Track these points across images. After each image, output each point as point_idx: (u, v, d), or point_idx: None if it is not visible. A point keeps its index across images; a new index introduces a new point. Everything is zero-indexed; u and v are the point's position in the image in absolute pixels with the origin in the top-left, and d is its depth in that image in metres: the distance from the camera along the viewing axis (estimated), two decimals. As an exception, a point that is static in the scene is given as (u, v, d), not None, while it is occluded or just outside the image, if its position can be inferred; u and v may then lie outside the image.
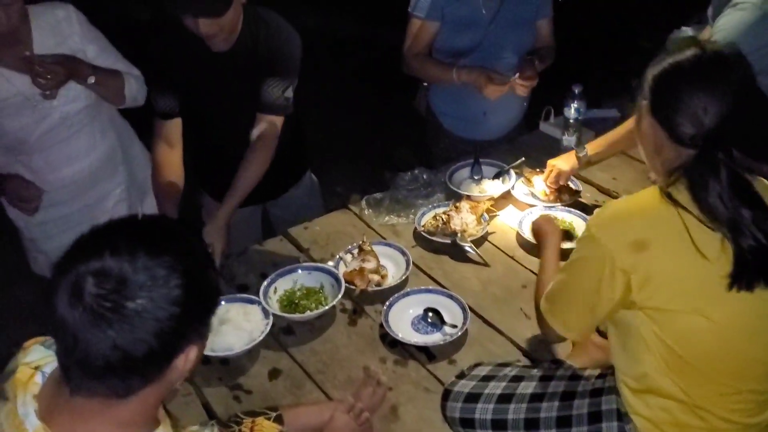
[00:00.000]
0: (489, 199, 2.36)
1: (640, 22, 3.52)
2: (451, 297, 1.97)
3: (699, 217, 1.25)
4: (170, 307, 0.94)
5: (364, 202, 2.43)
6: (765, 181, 1.39)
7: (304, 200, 2.61)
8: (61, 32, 2.15)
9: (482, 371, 1.56)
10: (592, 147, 2.32)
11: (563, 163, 2.35)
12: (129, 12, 5.30)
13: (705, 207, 1.25)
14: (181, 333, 0.97)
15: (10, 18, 1.98)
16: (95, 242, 0.97)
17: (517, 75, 2.46)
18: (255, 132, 2.15)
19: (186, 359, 1.00)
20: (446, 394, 1.55)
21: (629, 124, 2.12)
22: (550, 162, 2.39)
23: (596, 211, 1.40)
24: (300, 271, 2.07)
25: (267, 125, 2.15)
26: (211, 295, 1.05)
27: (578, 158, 2.33)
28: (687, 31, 2.90)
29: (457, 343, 1.85)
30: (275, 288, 2.02)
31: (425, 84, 2.79)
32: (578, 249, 1.38)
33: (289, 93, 2.14)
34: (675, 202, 1.26)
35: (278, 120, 2.17)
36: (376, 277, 2.05)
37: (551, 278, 1.49)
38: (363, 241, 2.15)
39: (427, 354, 1.83)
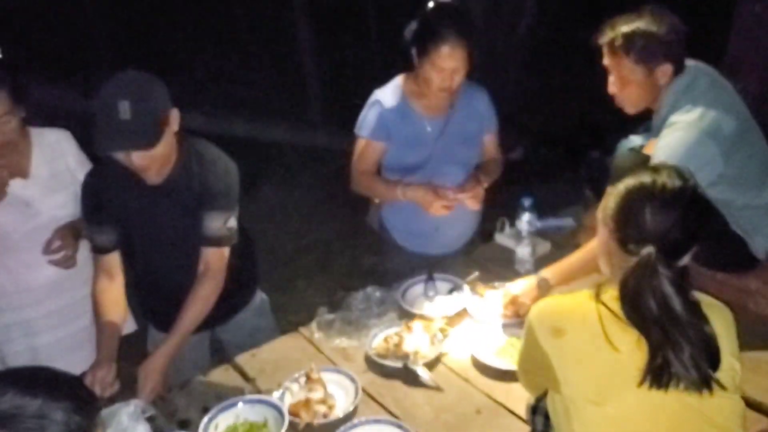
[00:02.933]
0: (443, 318, 2.30)
1: (589, 130, 3.63)
2: (400, 427, 1.87)
3: (617, 313, 1.38)
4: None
5: (314, 325, 2.35)
6: (706, 297, 1.47)
7: (254, 322, 2.51)
8: (58, 150, 2.36)
9: None
10: (555, 275, 2.26)
11: (524, 295, 2.27)
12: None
13: (633, 306, 1.36)
14: None
15: (4, 134, 2.16)
16: None
17: (462, 190, 2.46)
18: (201, 266, 2.10)
19: None
20: None
21: (591, 248, 2.06)
22: (508, 291, 2.32)
23: (538, 302, 1.57)
24: (242, 404, 1.96)
25: (212, 257, 2.10)
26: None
27: (539, 287, 2.26)
28: (635, 139, 2.95)
29: (405, 481, 1.73)
30: (216, 424, 1.91)
31: (377, 201, 2.78)
32: (524, 328, 1.55)
33: (232, 222, 2.10)
34: (598, 298, 1.42)
35: (224, 251, 2.12)
36: (322, 408, 1.95)
37: None
38: (310, 369, 2.06)
39: (374, 494, 1.71)
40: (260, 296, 2.56)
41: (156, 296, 2.31)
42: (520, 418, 1.89)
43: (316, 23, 6.71)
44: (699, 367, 1.33)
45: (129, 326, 2.53)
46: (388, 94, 2.54)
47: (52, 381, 1.09)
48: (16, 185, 2.27)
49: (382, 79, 2.62)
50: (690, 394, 1.34)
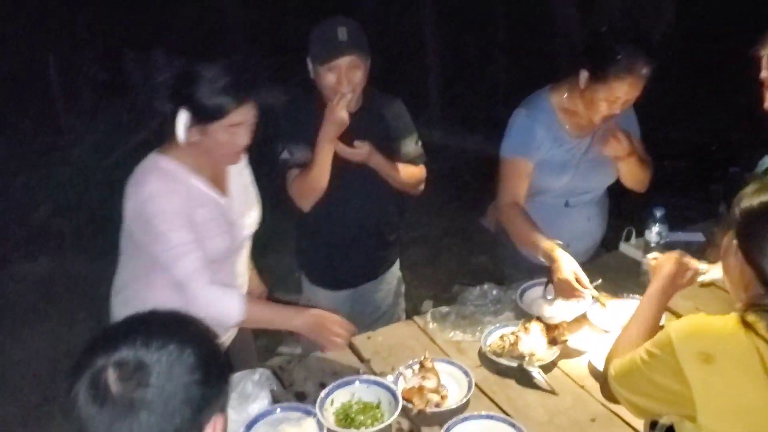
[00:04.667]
0: (561, 322, 2.26)
1: (729, 145, 3.44)
2: (513, 426, 1.86)
3: None
4: (190, 376, 1.02)
5: (429, 316, 2.38)
6: None
7: (387, 296, 2.72)
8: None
9: None
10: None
11: None
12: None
13: None
14: (205, 401, 1.04)
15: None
16: (106, 339, 1.05)
17: None
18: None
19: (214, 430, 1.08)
20: None
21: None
22: None
23: (680, 319, 1.44)
24: (358, 383, 2.02)
25: (418, 171, 2.52)
26: (223, 365, 1.12)
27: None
28: (778, 155, 2.78)
29: (516, 479, 1.72)
30: (332, 400, 1.97)
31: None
32: (655, 343, 1.40)
33: (419, 142, 2.51)
34: (751, 328, 1.27)
35: (422, 169, 2.52)
36: (435, 397, 1.97)
37: (631, 339, 1.59)
38: (425, 357, 2.09)
39: (484, 487, 1.72)
40: (399, 273, 2.74)
41: (327, 247, 2.45)
42: (636, 430, 1.84)
43: (441, 21, 6.74)
44: None
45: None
46: (537, 111, 2.40)
47: (185, 328, 1.11)
48: (222, 204, 2.08)
49: (505, 84, 2.60)
50: None
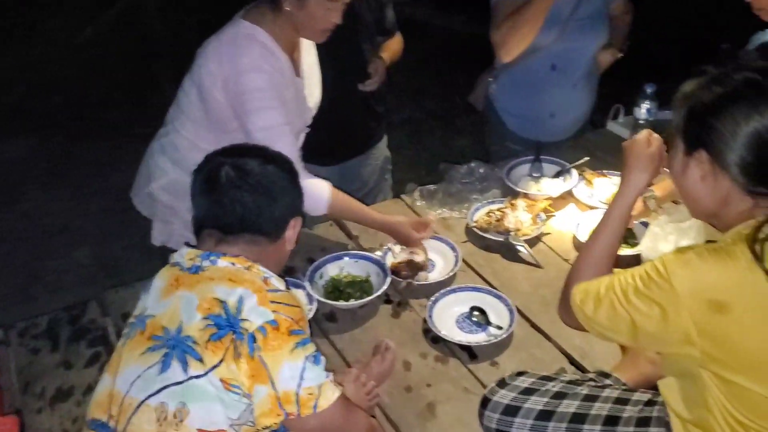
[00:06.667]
0: (547, 199, 2.28)
1: (721, 21, 3.35)
2: (498, 297, 1.91)
3: None
4: (282, 180, 1.43)
5: (417, 193, 2.38)
6: None
7: (375, 172, 2.73)
8: None
9: (524, 382, 1.49)
10: (662, 189, 2.01)
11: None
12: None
13: None
14: (290, 201, 1.45)
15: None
16: (225, 152, 1.46)
17: None
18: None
19: (295, 225, 1.46)
20: (485, 402, 1.50)
21: None
22: None
23: (676, 252, 1.17)
24: (347, 258, 2.05)
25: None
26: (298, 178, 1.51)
27: (644, 203, 2.02)
28: (771, 32, 2.73)
29: (501, 345, 1.79)
30: (321, 274, 2.01)
31: (490, 79, 2.67)
32: (647, 283, 1.17)
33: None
34: (765, 269, 1.07)
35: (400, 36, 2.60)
36: (423, 273, 2.01)
37: (601, 259, 1.33)
38: (413, 233, 2.11)
39: (470, 353, 1.78)
40: (386, 151, 2.74)
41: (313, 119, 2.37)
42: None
43: None
44: None
45: None
46: None
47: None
48: (298, 83, 2.06)
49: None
50: None
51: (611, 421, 1.35)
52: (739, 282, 1.10)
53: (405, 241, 2.06)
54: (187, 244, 1.43)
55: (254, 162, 1.41)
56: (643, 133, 1.49)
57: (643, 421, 1.32)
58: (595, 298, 1.24)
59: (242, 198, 1.38)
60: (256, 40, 1.88)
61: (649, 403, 1.33)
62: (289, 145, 1.88)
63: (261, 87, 1.86)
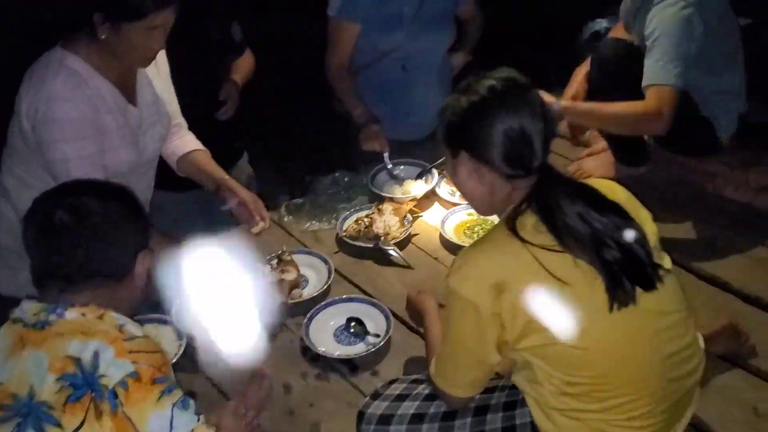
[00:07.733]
0: (412, 200, 2.31)
1: (554, 13, 3.54)
2: (374, 305, 1.91)
3: (543, 245, 1.22)
4: (125, 217, 1.31)
5: (283, 209, 2.34)
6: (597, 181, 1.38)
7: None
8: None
9: (396, 389, 1.49)
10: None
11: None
12: None
13: (563, 231, 1.22)
14: (136, 236, 1.33)
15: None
16: (57, 193, 1.34)
17: None
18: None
19: (143, 260, 1.33)
20: (360, 417, 1.49)
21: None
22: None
23: (452, 265, 1.32)
24: (214, 285, 1.97)
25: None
26: (144, 214, 1.41)
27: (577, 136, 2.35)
28: (602, 22, 2.92)
29: (380, 353, 1.79)
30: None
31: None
32: (447, 308, 1.34)
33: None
34: (520, 238, 1.23)
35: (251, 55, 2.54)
36: (297, 291, 1.98)
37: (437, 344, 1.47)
38: (282, 251, 2.07)
39: (350, 366, 1.77)
40: (249, 168, 2.64)
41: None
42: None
43: None
44: (647, 263, 1.24)
45: None
46: None
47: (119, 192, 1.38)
48: (130, 112, 1.90)
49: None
50: (647, 296, 1.24)
51: (480, 411, 1.39)
52: (504, 259, 1.26)
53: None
54: (29, 297, 1.32)
55: (92, 201, 1.29)
56: (412, 293, 1.78)
57: (510, 405, 1.37)
58: (443, 373, 1.39)
59: (83, 243, 1.25)
60: (62, 65, 1.75)
61: (515, 387, 1.38)
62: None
63: (65, 116, 1.72)
